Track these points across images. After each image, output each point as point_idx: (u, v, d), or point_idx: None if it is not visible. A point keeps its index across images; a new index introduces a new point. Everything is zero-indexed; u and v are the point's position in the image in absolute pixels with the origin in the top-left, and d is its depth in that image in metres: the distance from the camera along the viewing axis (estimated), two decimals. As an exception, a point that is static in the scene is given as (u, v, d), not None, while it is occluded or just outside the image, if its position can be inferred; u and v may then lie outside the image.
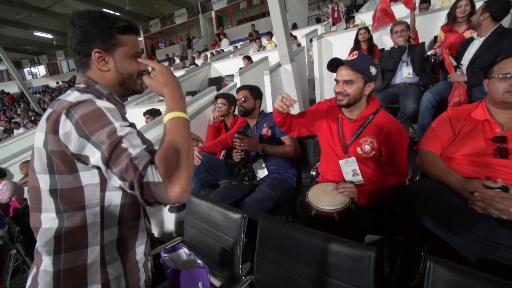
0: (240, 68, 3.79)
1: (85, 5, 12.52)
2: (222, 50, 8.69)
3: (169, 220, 2.10)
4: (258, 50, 6.09)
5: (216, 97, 2.42)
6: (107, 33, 0.72)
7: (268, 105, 3.27)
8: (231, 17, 13.55)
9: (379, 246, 1.20)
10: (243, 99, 1.91)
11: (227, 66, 5.75)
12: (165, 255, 1.26)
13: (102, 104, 0.65)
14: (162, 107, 3.31)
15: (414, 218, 1.04)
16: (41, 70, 21.92)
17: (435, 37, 3.33)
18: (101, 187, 0.69)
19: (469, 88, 1.95)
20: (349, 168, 1.35)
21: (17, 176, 3.28)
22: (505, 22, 1.98)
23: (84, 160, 0.64)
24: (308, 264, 0.98)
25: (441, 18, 3.47)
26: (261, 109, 2.00)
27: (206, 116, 2.54)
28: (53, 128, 0.63)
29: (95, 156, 0.62)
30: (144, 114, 3.05)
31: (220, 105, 2.29)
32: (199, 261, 1.19)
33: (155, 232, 2.13)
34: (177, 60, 9.44)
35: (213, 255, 1.30)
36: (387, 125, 1.28)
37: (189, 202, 1.45)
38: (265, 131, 1.84)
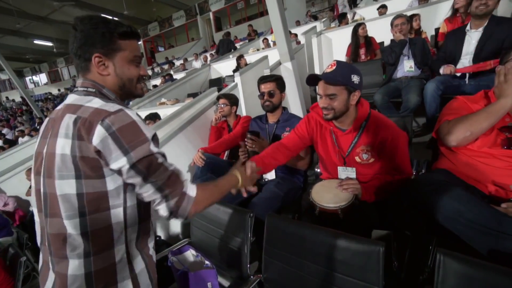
0: (234, 70, 3.76)
1: (83, 11, 12.60)
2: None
3: (175, 222, 2.10)
4: (263, 49, 6.03)
5: (218, 98, 2.40)
6: (107, 38, 0.73)
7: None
8: (229, 17, 13.54)
9: (386, 241, 1.19)
10: (270, 93, 1.68)
11: (227, 67, 5.75)
12: (172, 257, 1.26)
13: (135, 117, 0.70)
14: (162, 111, 3.33)
15: (422, 212, 1.03)
16: (42, 78, 22.08)
17: (436, 29, 3.31)
18: (124, 189, 0.73)
19: (475, 76, 1.94)
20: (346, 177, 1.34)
21: (22, 184, 3.27)
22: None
23: (114, 169, 0.68)
24: (317, 261, 0.98)
25: (442, 10, 3.45)
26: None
27: (208, 117, 2.54)
28: (84, 135, 0.65)
29: (126, 166, 0.67)
30: (144, 120, 3.06)
31: (222, 105, 2.27)
32: (206, 262, 1.20)
33: (162, 234, 2.13)
34: (177, 63, 9.39)
35: (221, 256, 1.30)
36: (381, 130, 1.23)
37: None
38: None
